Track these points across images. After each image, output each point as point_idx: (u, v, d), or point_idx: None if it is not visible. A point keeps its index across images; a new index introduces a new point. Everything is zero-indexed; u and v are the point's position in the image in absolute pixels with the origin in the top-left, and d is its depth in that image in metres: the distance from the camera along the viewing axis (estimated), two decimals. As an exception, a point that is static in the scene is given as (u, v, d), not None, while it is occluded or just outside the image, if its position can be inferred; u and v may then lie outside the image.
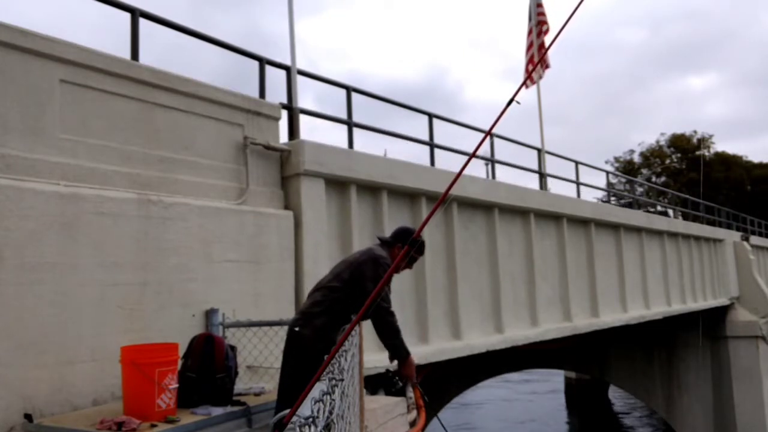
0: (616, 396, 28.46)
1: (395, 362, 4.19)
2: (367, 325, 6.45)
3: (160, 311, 4.69)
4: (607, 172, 19.43)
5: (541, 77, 12.44)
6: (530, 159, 12.01)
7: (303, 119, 6.67)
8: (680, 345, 17.82)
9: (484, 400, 27.73)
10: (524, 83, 11.72)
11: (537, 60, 12.10)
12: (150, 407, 3.65)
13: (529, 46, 12.52)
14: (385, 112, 11.09)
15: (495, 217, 9.00)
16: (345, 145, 7.28)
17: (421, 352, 7.26)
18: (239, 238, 5.37)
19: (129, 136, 4.87)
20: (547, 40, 12.28)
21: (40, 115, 4.33)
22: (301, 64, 6.78)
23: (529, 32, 12.57)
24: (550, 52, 12.33)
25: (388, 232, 7.13)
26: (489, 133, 3.08)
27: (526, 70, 12.65)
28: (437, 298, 7.86)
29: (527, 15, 12.73)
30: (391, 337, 4.08)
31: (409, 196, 7.62)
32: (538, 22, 12.41)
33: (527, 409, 27.15)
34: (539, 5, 12.59)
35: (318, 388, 1.71)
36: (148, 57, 5.32)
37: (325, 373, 1.96)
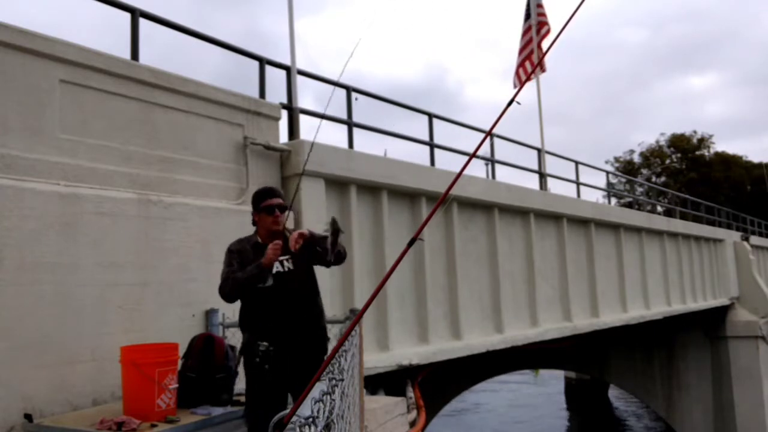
0: (616, 396, 28.45)
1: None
2: (368, 326, 6.45)
3: (160, 311, 4.69)
4: (607, 172, 19.43)
5: (530, 79, 12.35)
6: (530, 159, 12.03)
7: (303, 119, 6.68)
8: (680, 345, 17.83)
9: (482, 401, 27.71)
10: (522, 86, 11.67)
11: (537, 61, 12.05)
12: (150, 407, 3.65)
13: (526, 45, 12.44)
14: (385, 112, 11.08)
15: (495, 217, 9.00)
16: (345, 145, 7.29)
17: (421, 352, 7.26)
18: (239, 237, 5.35)
19: (129, 136, 4.87)
20: (546, 42, 12.21)
21: (40, 115, 4.33)
22: (301, 64, 6.79)
23: (526, 31, 12.50)
24: (549, 53, 12.28)
25: (388, 232, 7.15)
26: (489, 133, 3.08)
27: (516, 73, 12.58)
28: (437, 298, 7.85)
29: (524, 14, 12.67)
30: (243, 287, 3.57)
31: (409, 196, 7.62)
32: (538, 23, 12.35)
33: (526, 407, 27.14)
34: (539, 6, 12.52)
35: (318, 388, 1.71)
36: (148, 57, 5.33)
37: (325, 373, 1.96)
